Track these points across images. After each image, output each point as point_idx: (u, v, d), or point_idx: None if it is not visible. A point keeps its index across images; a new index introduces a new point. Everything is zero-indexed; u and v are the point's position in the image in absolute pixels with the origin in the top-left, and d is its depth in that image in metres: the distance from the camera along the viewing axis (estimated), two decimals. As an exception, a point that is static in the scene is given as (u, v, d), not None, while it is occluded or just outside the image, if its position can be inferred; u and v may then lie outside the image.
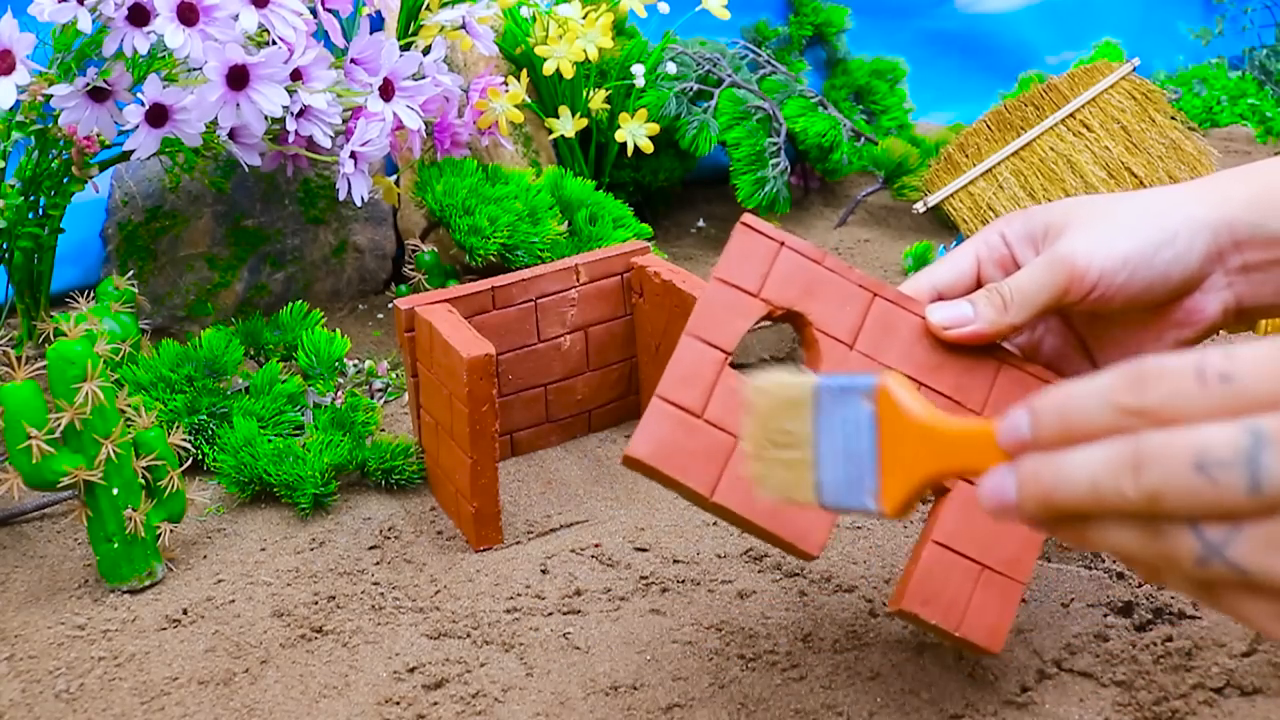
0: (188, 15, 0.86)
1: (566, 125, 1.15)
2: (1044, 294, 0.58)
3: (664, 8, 1.19)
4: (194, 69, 0.89)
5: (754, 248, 0.59)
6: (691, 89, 1.30)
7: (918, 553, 0.60)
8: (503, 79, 1.11)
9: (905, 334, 0.60)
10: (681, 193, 1.43)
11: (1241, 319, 0.60)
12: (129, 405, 0.74)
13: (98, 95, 0.88)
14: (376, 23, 1.17)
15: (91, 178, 0.93)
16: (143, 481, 0.74)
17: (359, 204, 0.98)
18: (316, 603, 0.73)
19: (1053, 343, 0.65)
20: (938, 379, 0.60)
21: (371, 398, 0.97)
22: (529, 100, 1.16)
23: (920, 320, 0.60)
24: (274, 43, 0.89)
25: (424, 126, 1.02)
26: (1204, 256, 0.57)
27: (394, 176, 1.22)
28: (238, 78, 0.87)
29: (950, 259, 0.63)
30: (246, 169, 1.01)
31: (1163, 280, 0.57)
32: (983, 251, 0.62)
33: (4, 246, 0.97)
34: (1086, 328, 0.64)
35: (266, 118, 0.90)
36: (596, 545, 0.79)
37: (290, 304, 1.00)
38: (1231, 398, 0.36)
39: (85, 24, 0.84)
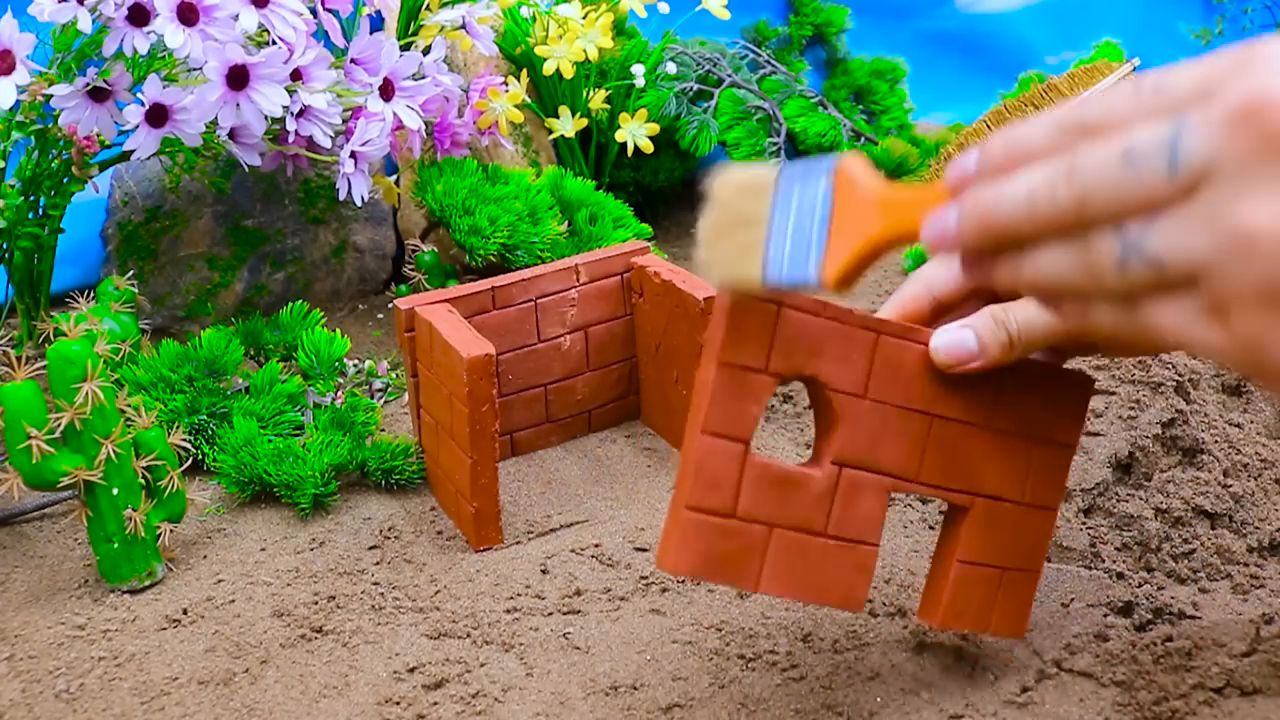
0: (188, 15, 0.86)
1: (566, 125, 1.15)
2: (1050, 337, 0.56)
3: (664, 8, 1.19)
4: (194, 69, 0.89)
5: (751, 317, 0.54)
6: (691, 89, 1.30)
7: (944, 570, 0.61)
8: (503, 79, 1.11)
9: (911, 367, 0.58)
10: (681, 193, 1.43)
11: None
12: (129, 405, 0.74)
13: (98, 95, 0.88)
14: (376, 23, 1.17)
15: (91, 178, 0.93)
16: (143, 481, 0.74)
17: (359, 204, 0.98)
18: (316, 603, 0.73)
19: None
20: (947, 406, 0.59)
21: (371, 398, 0.97)
22: (529, 100, 1.16)
23: (923, 351, 0.59)
24: (274, 43, 0.89)
25: (424, 126, 1.02)
26: None
27: (394, 176, 1.22)
28: (238, 78, 0.87)
29: (942, 259, 0.61)
30: (246, 169, 1.01)
31: None
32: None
33: (4, 246, 0.97)
34: None
35: (266, 118, 0.90)
36: (596, 545, 0.79)
37: (290, 304, 1.00)
38: (1165, 100, 0.38)
39: (85, 24, 0.84)
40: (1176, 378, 0.84)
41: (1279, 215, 0.35)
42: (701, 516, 0.54)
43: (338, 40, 0.97)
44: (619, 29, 1.25)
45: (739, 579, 0.55)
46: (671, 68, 1.24)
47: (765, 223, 0.48)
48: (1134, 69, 1.19)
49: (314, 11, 0.94)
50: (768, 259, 0.48)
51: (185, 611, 0.73)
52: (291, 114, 0.92)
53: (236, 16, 0.87)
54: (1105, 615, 0.70)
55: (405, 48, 1.03)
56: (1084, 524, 0.77)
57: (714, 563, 0.55)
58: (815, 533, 0.56)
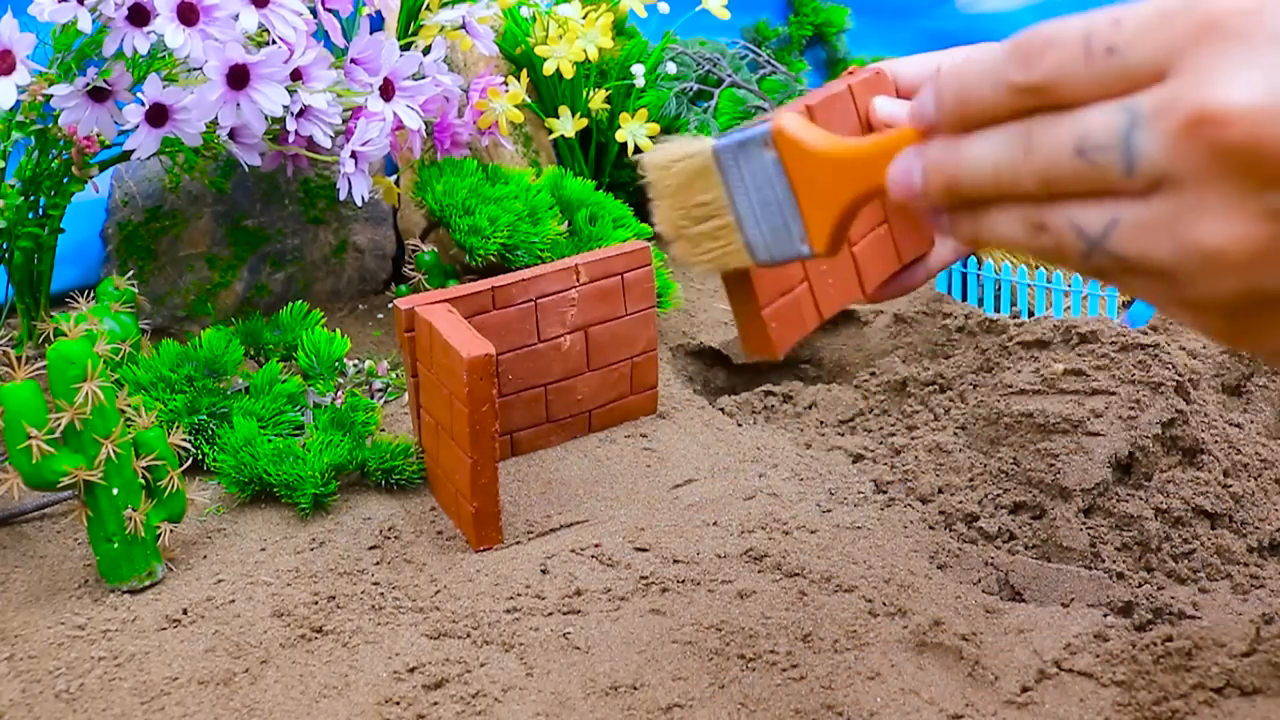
0: (188, 15, 0.86)
1: (566, 125, 1.15)
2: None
3: (664, 8, 1.19)
4: (194, 69, 0.89)
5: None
6: (691, 89, 1.30)
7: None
8: (503, 79, 1.11)
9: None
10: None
11: None
12: (129, 405, 0.74)
13: (98, 95, 0.88)
14: (376, 23, 1.17)
15: (91, 178, 0.93)
16: (143, 481, 0.74)
17: (359, 204, 0.98)
18: (316, 603, 0.73)
19: None
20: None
21: (371, 398, 0.97)
22: (529, 100, 1.16)
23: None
24: (274, 43, 0.89)
25: (424, 126, 1.02)
26: None
27: (394, 176, 1.22)
28: (238, 77, 0.87)
29: (918, 59, 0.62)
30: (246, 169, 1.01)
31: None
32: (946, 65, 0.61)
33: (4, 246, 0.97)
34: None
35: (266, 118, 0.90)
36: (596, 545, 0.79)
37: (290, 304, 1.00)
38: (1116, 71, 0.36)
39: (85, 24, 0.84)
40: (1176, 378, 0.84)
41: (1239, 234, 0.34)
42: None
43: (338, 40, 0.97)
44: (619, 29, 1.25)
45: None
46: (671, 68, 1.24)
47: (726, 207, 0.47)
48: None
49: (314, 11, 0.94)
50: (750, 243, 0.47)
51: (185, 611, 0.73)
52: (291, 114, 0.92)
53: (236, 16, 0.87)
54: (1105, 615, 0.70)
55: (405, 48, 1.03)
56: (1084, 524, 0.77)
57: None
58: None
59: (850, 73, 0.61)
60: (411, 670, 0.67)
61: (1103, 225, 0.37)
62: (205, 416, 0.88)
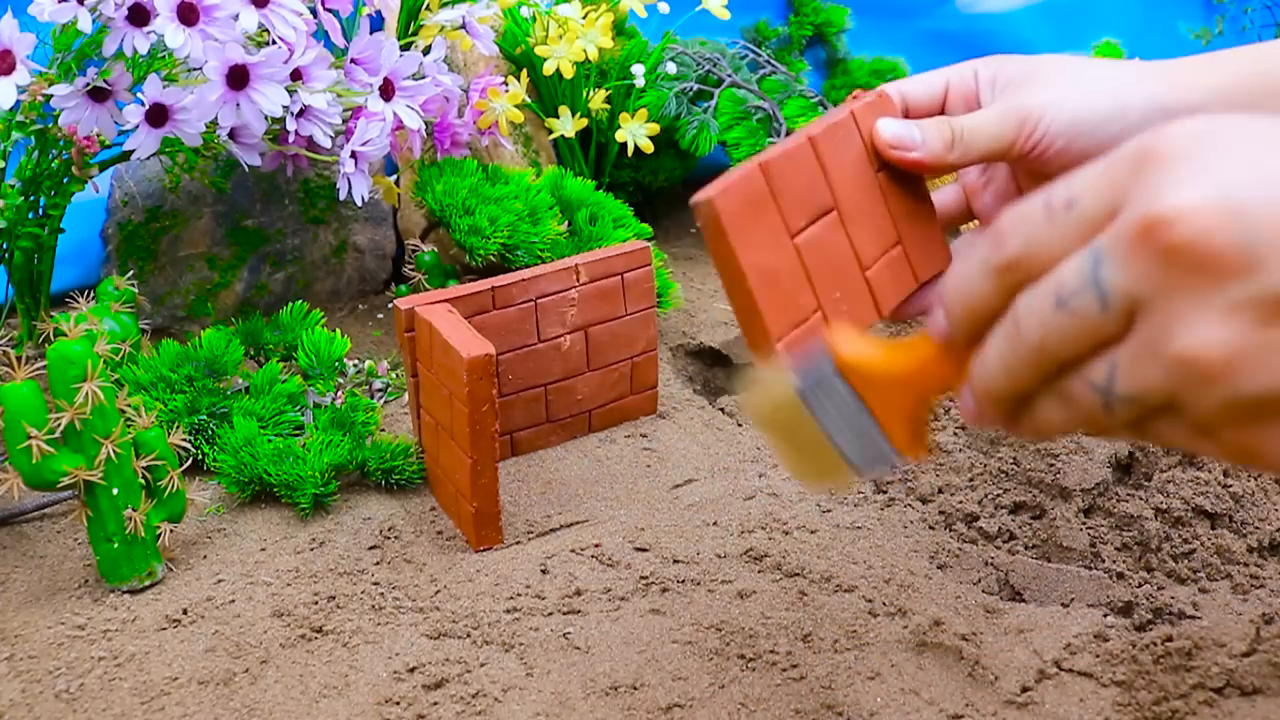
0: (188, 15, 0.86)
1: (566, 125, 1.15)
2: (991, 142, 0.58)
3: (664, 8, 1.19)
4: (194, 69, 0.89)
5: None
6: (691, 89, 1.30)
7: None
8: (503, 79, 1.11)
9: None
10: (681, 193, 1.43)
11: None
12: (129, 405, 0.74)
13: (98, 95, 0.88)
14: (376, 23, 1.17)
15: (91, 178, 0.93)
16: (143, 481, 0.74)
17: (359, 204, 0.98)
18: (316, 603, 0.73)
19: (996, 191, 0.65)
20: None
21: (371, 398, 0.97)
22: (529, 100, 1.16)
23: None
24: (274, 43, 0.89)
25: (424, 126, 1.02)
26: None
27: (394, 176, 1.22)
28: (238, 78, 0.87)
29: (924, 78, 0.63)
30: (246, 169, 1.01)
31: (1101, 152, 0.56)
32: (954, 80, 0.62)
33: (4, 246, 0.97)
34: (1029, 189, 0.63)
35: (266, 118, 0.90)
36: (596, 545, 0.79)
37: (290, 304, 1.00)
38: (1077, 223, 0.37)
39: (85, 24, 0.84)
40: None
41: (1211, 337, 0.34)
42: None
43: (338, 40, 0.97)
44: (619, 29, 1.25)
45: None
46: (671, 68, 1.24)
47: (822, 434, 0.50)
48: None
49: (314, 11, 0.94)
50: (849, 459, 0.50)
51: (185, 611, 0.73)
52: (291, 114, 0.92)
53: (236, 16, 0.87)
54: (1105, 615, 0.70)
55: (405, 48, 1.03)
56: (1084, 524, 0.77)
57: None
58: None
59: (854, 96, 0.61)
60: (411, 670, 0.67)
61: (1107, 372, 0.37)
62: (205, 416, 0.88)
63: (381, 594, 0.74)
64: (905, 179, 0.61)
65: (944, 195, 0.67)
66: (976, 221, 0.69)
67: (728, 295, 0.54)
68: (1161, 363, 0.36)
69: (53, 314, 0.96)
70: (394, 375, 1.01)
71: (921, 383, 0.47)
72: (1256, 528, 0.78)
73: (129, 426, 0.73)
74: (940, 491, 0.84)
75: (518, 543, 0.80)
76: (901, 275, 0.60)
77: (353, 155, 0.96)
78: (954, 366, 0.45)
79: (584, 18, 1.13)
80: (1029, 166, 0.59)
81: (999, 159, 0.59)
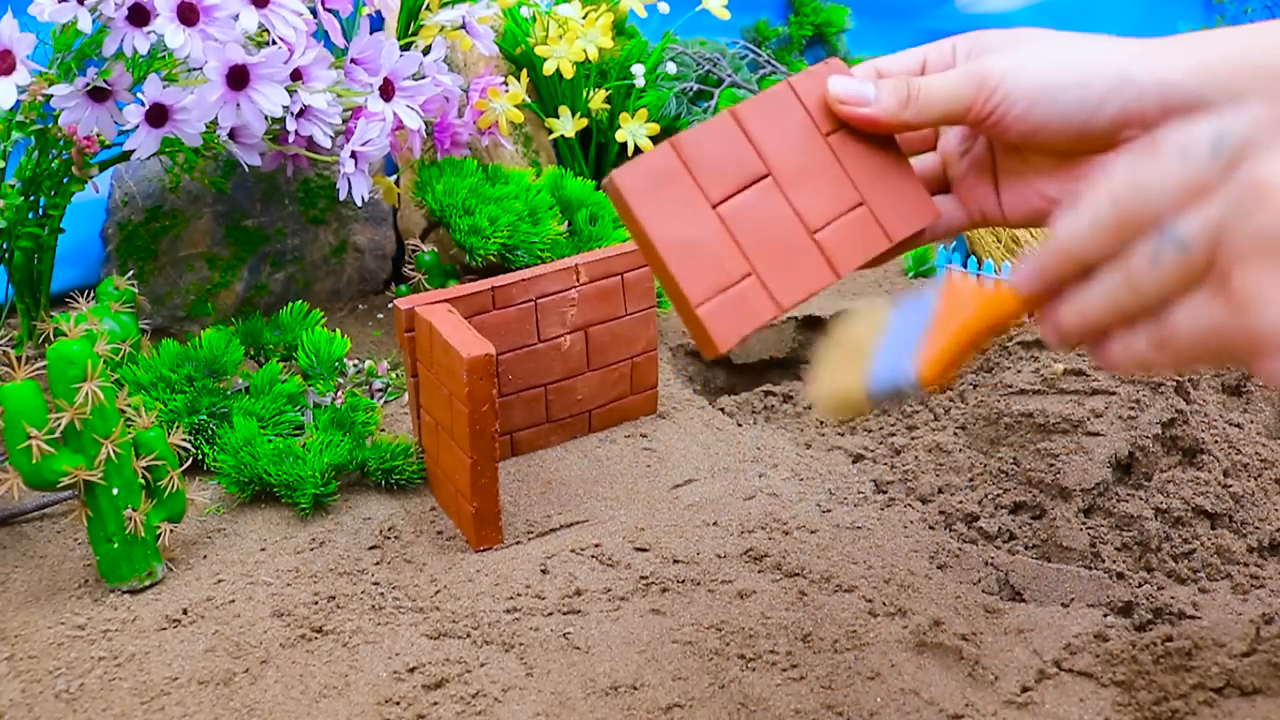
0: (188, 15, 0.86)
1: (566, 125, 1.15)
2: (948, 102, 0.56)
3: (664, 8, 1.19)
4: (194, 69, 0.89)
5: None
6: (691, 89, 1.30)
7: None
8: (503, 79, 1.11)
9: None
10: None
11: None
12: (129, 405, 0.74)
13: (98, 95, 0.88)
14: (376, 23, 1.17)
15: (91, 178, 0.93)
16: (143, 481, 0.74)
17: (359, 204, 0.98)
18: (316, 603, 0.73)
19: (973, 160, 0.63)
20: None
21: (371, 398, 0.97)
22: (529, 100, 1.16)
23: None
24: (274, 43, 0.89)
25: (424, 126, 1.02)
26: (1122, 112, 0.54)
27: (394, 176, 1.22)
28: (238, 78, 0.87)
29: (903, 54, 0.61)
30: (246, 169, 1.01)
31: (1061, 122, 0.55)
32: (931, 56, 0.60)
33: (4, 246, 0.97)
34: (1002, 161, 0.62)
35: (266, 118, 0.90)
36: (596, 545, 0.79)
37: (290, 304, 1.00)
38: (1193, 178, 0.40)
39: (85, 24, 0.84)
40: (1176, 378, 0.84)
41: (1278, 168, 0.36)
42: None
43: (338, 40, 0.97)
44: (619, 29, 1.25)
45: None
46: (671, 68, 1.24)
47: (876, 344, 0.51)
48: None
49: (314, 11, 0.94)
50: (874, 370, 0.50)
51: (185, 611, 0.73)
52: (291, 114, 0.92)
53: (236, 16, 0.87)
54: (1105, 615, 0.70)
55: (405, 48, 1.03)
56: (1084, 524, 0.77)
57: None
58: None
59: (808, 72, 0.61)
60: (411, 670, 0.67)
61: (1173, 223, 0.40)
62: (205, 416, 0.88)
63: (381, 594, 0.74)
64: (868, 141, 0.59)
65: (922, 162, 0.65)
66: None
67: (652, 271, 0.55)
68: (1231, 191, 0.38)
69: (53, 314, 0.96)
70: (394, 375, 1.01)
71: (991, 306, 0.48)
72: (1256, 528, 0.78)
73: (129, 426, 0.73)
74: (940, 491, 0.84)
75: (518, 543, 0.80)
76: (869, 235, 0.59)
77: (353, 155, 0.96)
78: (1019, 311, 0.47)
79: (584, 18, 1.13)
80: (990, 132, 0.58)
81: (959, 121, 0.57)
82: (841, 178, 0.58)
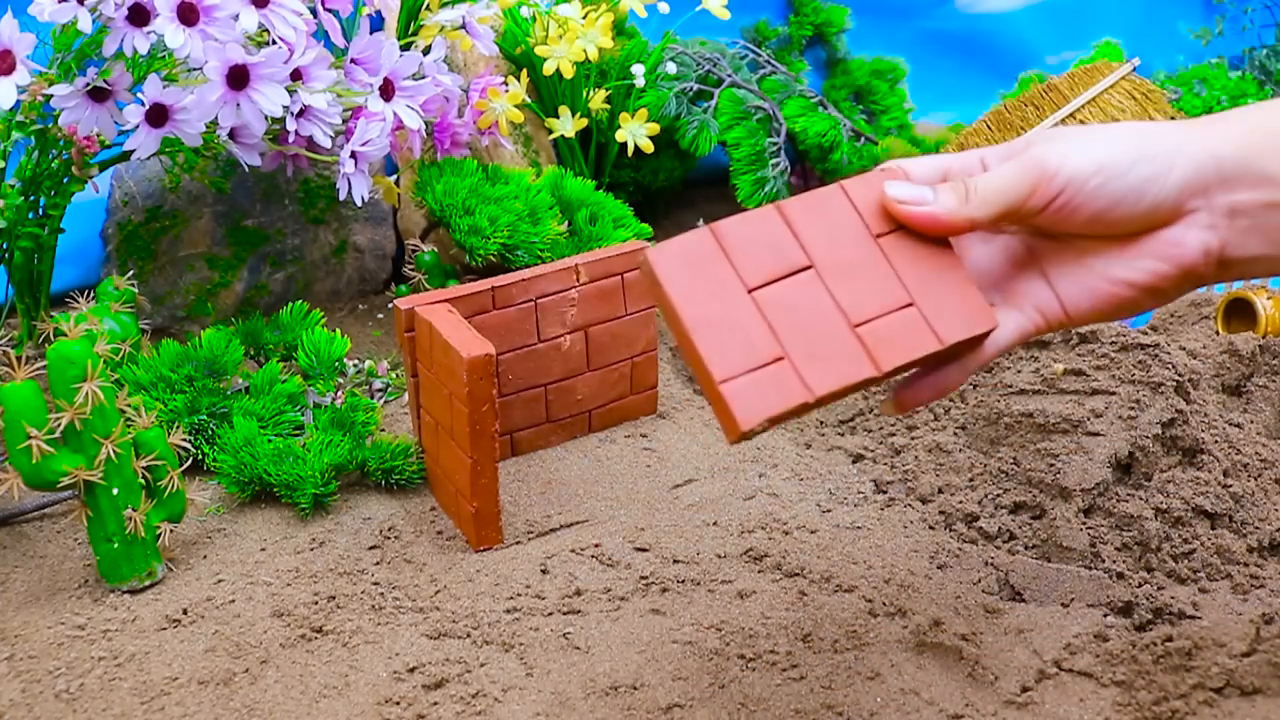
0: (188, 15, 0.86)
1: (566, 125, 1.15)
2: (1010, 193, 0.55)
3: (664, 8, 1.19)
4: (194, 69, 0.89)
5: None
6: (691, 89, 1.30)
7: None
8: (503, 79, 1.11)
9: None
10: (681, 193, 1.43)
11: (1224, 269, 0.57)
12: (129, 405, 0.74)
13: (98, 95, 0.88)
14: (376, 23, 1.17)
15: (91, 178, 0.93)
16: (143, 481, 0.74)
17: (359, 204, 0.98)
18: (316, 603, 0.73)
19: (1007, 266, 0.61)
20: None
21: (371, 398, 0.97)
22: (529, 100, 1.16)
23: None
24: (274, 43, 0.89)
25: (424, 126, 1.02)
26: (1185, 183, 0.54)
27: (394, 176, 1.22)
28: (238, 78, 0.87)
29: (927, 159, 0.60)
30: (246, 169, 1.01)
31: (1135, 196, 0.54)
32: (954, 165, 0.59)
33: (4, 246, 0.97)
34: (1052, 256, 0.60)
35: (267, 118, 0.90)
36: (596, 545, 0.79)
37: (290, 304, 1.00)
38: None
39: (85, 24, 0.84)
40: (1176, 378, 0.84)
41: None
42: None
43: (338, 40, 0.97)
44: (619, 29, 1.25)
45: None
46: (671, 68, 1.24)
47: None
48: (1134, 69, 1.19)
49: (314, 11, 0.94)
50: None
51: (185, 611, 0.73)
52: (291, 114, 0.92)
53: (236, 16, 0.87)
54: (1105, 615, 0.70)
55: (405, 48, 1.03)
56: (1084, 524, 0.77)
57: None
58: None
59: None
60: (411, 670, 0.67)
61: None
62: (205, 416, 0.88)
63: (381, 594, 0.74)
64: (923, 246, 0.58)
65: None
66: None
67: (682, 355, 0.53)
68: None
69: (53, 314, 0.96)
70: (394, 375, 1.01)
71: None
72: (1256, 528, 0.78)
73: (129, 426, 0.73)
74: (940, 491, 0.84)
75: (518, 543, 0.80)
76: (918, 333, 0.56)
77: (353, 155, 0.96)
78: None
79: (584, 18, 1.13)
80: (1055, 219, 0.56)
81: (1021, 213, 0.56)
82: (891, 277, 0.57)
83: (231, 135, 0.93)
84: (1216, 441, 0.84)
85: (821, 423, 0.97)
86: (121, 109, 0.89)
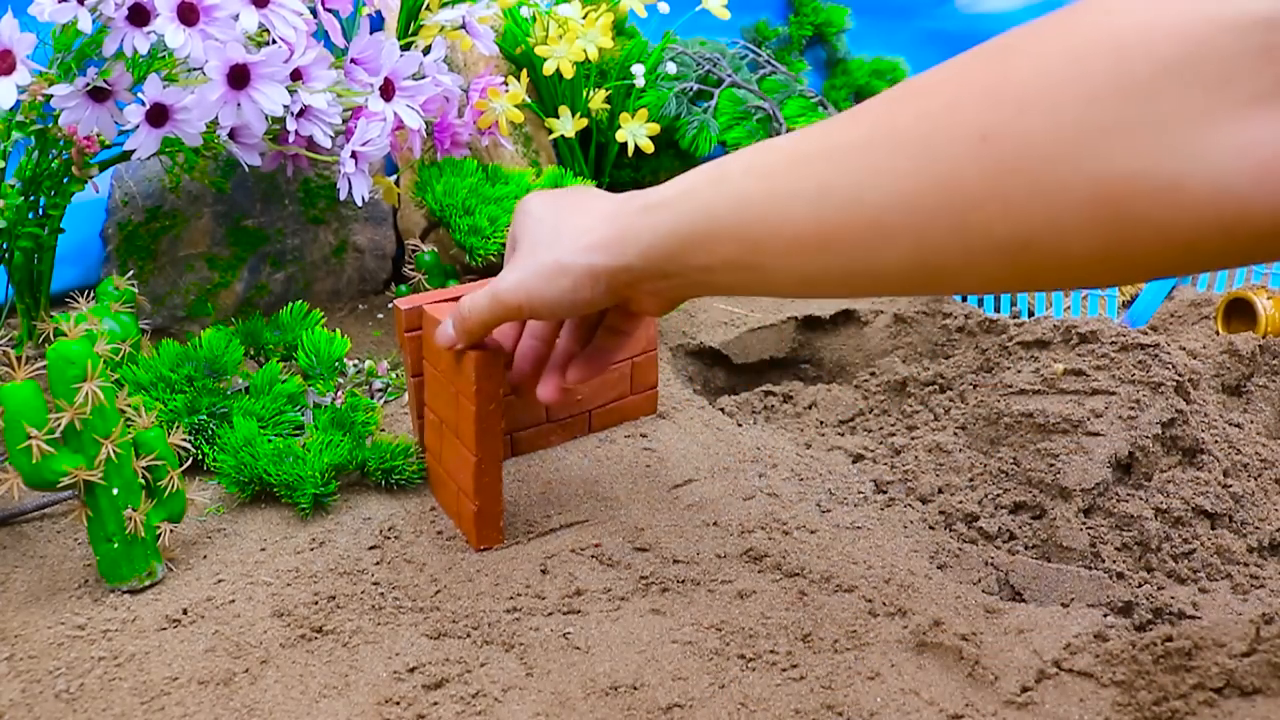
0: (188, 15, 0.86)
1: (566, 125, 1.15)
2: (489, 320, 0.69)
3: (664, 8, 1.19)
4: (194, 69, 0.89)
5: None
6: (691, 89, 1.30)
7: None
8: (503, 79, 1.11)
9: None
10: (681, 193, 1.43)
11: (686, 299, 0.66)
12: (129, 405, 0.74)
13: (98, 95, 0.88)
14: (376, 23, 1.17)
15: (91, 178, 0.93)
16: (143, 481, 0.74)
17: (359, 204, 0.98)
18: (316, 603, 0.73)
19: (586, 329, 0.75)
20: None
21: (371, 398, 0.97)
22: (529, 100, 1.16)
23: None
24: (274, 42, 0.89)
25: (424, 126, 1.02)
26: (609, 293, 0.63)
27: (394, 176, 1.22)
28: (238, 77, 0.87)
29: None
30: (246, 169, 1.01)
31: (575, 309, 0.64)
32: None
33: (4, 246, 0.97)
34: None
35: (267, 117, 0.90)
36: (596, 545, 0.79)
37: (290, 304, 1.00)
38: None
39: (85, 24, 0.84)
40: (1176, 378, 0.84)
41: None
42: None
43: (338, 40, 0.97)
44: (619, 29, 1.25)
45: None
46: (671, 68, 1.24)
47: None
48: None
49: (314, 11, 0.94)
50: None
51: (185, 611, 0.73)
52: (292, 114, 0.92)
53: (236, 16, 0.87)
54: (1105, 615, 0.70)
55: (405, 48, 1.03)
56: (1084, 524, 0.77)
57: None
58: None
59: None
60: (411, 670, 0.67)
61: None
62: (205, 416, 0.88)
63: (381, 594, 0.74)
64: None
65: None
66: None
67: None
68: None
69: (53, 314, 0.96)
70: (394, 375, 1.01)
71: None
72: (1256, 528, 0.78)
73: (129, 426, 0.73)
74: (940, 491, 0.84)
75: (518, 543, 0.80)
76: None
77: (353, 155, 0.96)
78: None
79: (584, 18, 1.13)
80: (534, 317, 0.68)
81: (521, 317, 0.68)
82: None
83: (231, 135, 0.93)
84: (1216, 441, 0.84)
85: (822, 423, 0.97)
86: (121, 109, 0.89)
